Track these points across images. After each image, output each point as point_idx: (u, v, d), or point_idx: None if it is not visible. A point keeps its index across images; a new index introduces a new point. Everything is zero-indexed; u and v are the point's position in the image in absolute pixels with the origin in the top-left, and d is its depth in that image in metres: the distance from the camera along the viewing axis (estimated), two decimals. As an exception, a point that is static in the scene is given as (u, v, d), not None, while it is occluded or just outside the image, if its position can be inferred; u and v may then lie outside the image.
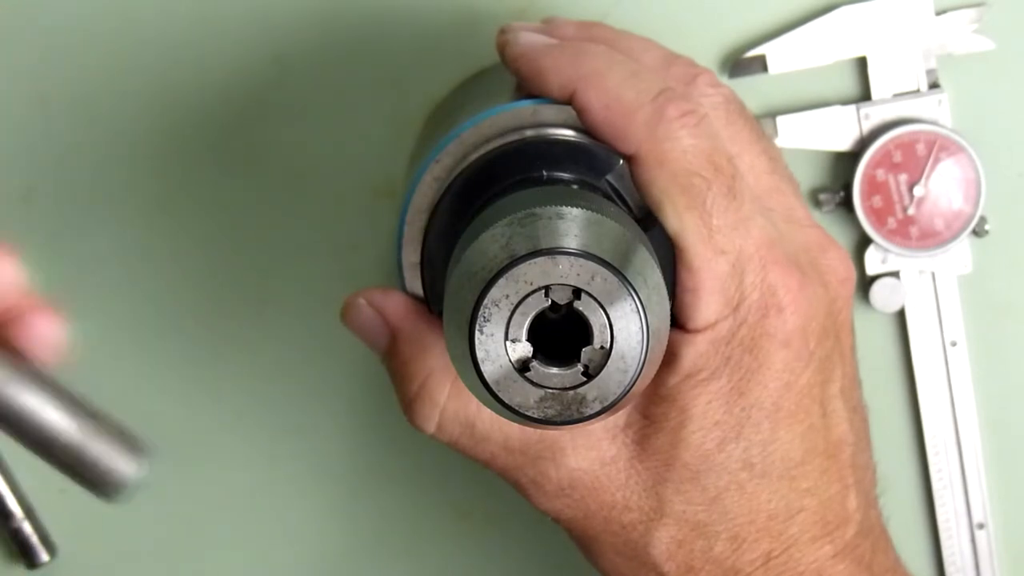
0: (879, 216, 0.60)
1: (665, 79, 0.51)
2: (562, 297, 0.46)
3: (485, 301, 0.46)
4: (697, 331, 0.50)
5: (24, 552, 0.63)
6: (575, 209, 0.47)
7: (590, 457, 0.51)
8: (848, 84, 0.61)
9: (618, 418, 0.51)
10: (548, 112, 0.52)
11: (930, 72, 0.60)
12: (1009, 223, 0.62)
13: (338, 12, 0.60)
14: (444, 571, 0.65)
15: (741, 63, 0.60)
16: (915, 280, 0.61)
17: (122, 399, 0.63)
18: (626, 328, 0.46)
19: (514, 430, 0.51)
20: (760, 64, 0.60)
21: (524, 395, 0.46)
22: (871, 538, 0.53)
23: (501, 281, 0.45)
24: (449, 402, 0.52)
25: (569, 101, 0.50)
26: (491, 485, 0.64)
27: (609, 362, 0.46)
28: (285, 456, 0.64)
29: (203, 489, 0.64)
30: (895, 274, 0.61)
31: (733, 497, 0.51)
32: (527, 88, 0.52)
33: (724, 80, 0.60)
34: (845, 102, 0.60)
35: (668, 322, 0.48)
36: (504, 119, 0.52)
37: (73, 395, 0.45)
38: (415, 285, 0.53)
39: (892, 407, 0.63)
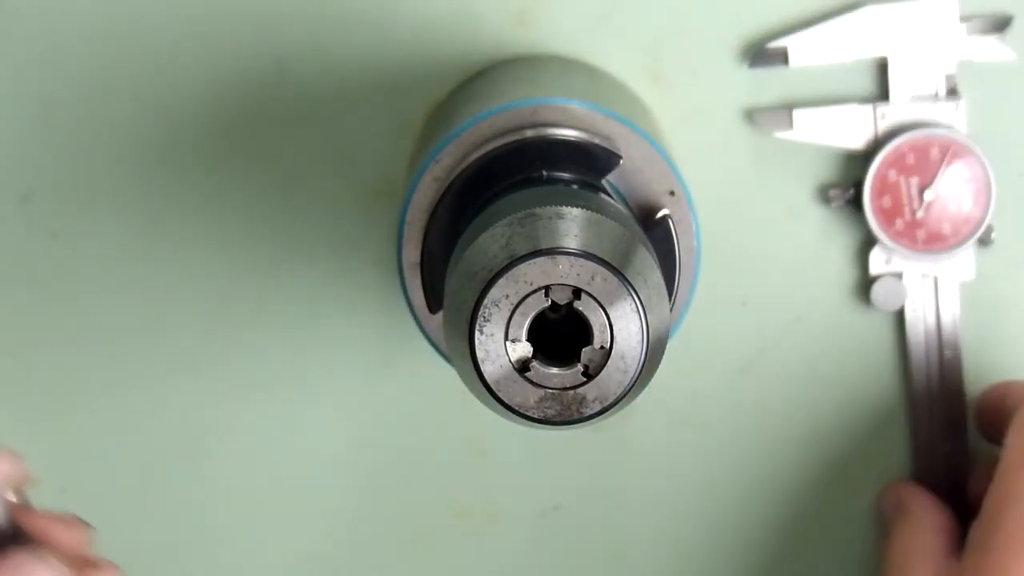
0: (887, 217, 0.60)
1: None
2: (562, 297, 0.46)
3: (485, 301, 0.46)
4: None
5: (24, 552, 0.63)
6: (575, 209, 0.47)
7: None
8: (867, 83, 0.60)
9: None
10: (548, 112, 0.52)
11: (949, 78, 0.60)
12: (1014, 228, 0.62)
13: (338, 13, 0.60)
14: (444, 571, 0.65)
15: (762, 53, 0.60)
16: (917, 283, 0.61)
17: (122, 399, 0.63)
18: (626, 328, 0.46)
19: None
20: (781, 56, 0.60)
21: (524, 395, 0.46)
22: None
23: (501, 281, 0.46)
24: None
25: None
26: (491, 485, 0.64)
27: (609, 362, 0.46)
28: (285, 456, 0.64)
29: (203, 490, 0.64)
30: (898, 275, 0.61)
31: None
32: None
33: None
34: (863, 101, 0.60)
35: (668, 322, 0.48)
36: (504, 119, 0.52)
37: None
38: (415, 285, 0.53)
39: (888, 408, 0.63)
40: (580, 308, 0.46)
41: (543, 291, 0.46)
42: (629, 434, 0.63)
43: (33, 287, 0.62)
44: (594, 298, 0.46)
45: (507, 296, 0.46)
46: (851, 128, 0.60)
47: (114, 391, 0.63)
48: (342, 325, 0.62)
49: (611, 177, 0.52)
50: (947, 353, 0.62)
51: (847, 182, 0.61)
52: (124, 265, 0.62)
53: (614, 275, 0.45)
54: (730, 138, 0.61)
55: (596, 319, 0.46)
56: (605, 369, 0.46)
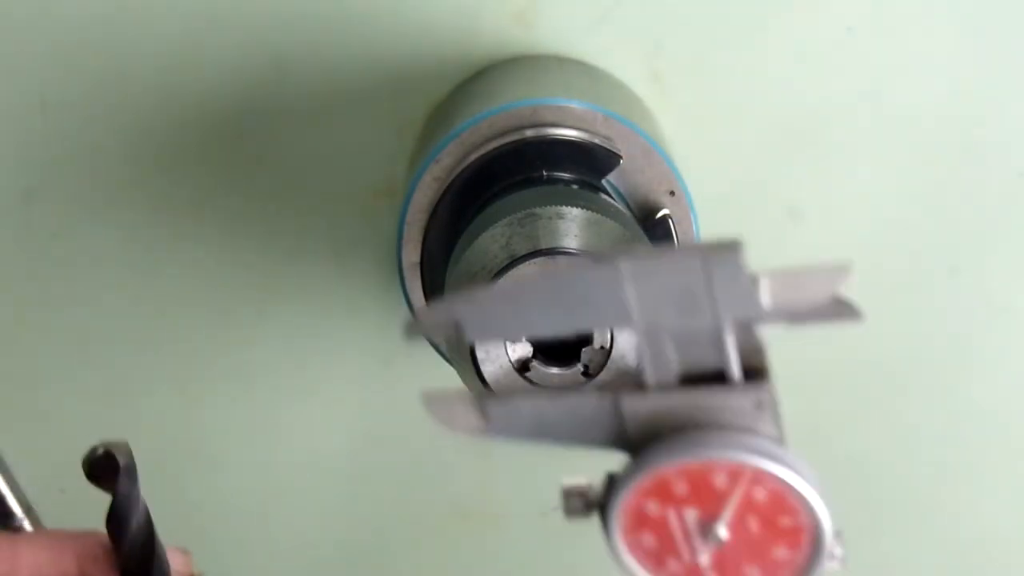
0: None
1: None
2: (562, 297, 0.46)
3: (485, 301, 0.46)
4: None
5: (24, 552, 0.63)
6: (575, 209, 0.47)
7: None
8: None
9: None
10: (548, 112, 0.52)
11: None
12: (1009, 223, 0.62)
13: (338, 13, 0.60)
14: (445, 571, 0.65)
15: None
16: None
17: (122, 399, 0.63)
18: (626, 328, 0.46)
19: None
20: None
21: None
22: None
23: (501, 281, 0.46)
24: None
25: None
26: (491, 485, 0.64)
27: (609, 362, 0.46)
28: (285, 456, 0.64)
29: (203, 491, 0.64)
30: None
31: None
32: None
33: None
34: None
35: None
36: (504, 119, 0.52)
37: None
38: (415, 285, 0.53)
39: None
40: (580, 308, 0.46)
41: (543, 291, 0.46)
42: (629, 434, 0.63)
43: (33, 287, 0.62)
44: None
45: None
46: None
47: (114, 391, 0.63)
48: (342, 325, 0.62)
49: (611, 177, 0.52)
50: None
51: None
52: (124, 265, 0.62)
53: (614, 275, 0.45)
54: (730, 138, 0.61)
55: (596, 319, 0.46)
56: (605, 369, 0.46)
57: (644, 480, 0.40)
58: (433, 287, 0.53)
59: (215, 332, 0.62)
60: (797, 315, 0.37)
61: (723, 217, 0.61)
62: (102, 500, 0.64)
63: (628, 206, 0.52)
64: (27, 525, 0.63)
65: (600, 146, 0.52)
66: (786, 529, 0.39)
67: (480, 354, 0.46)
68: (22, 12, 0.60)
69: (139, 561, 0.46)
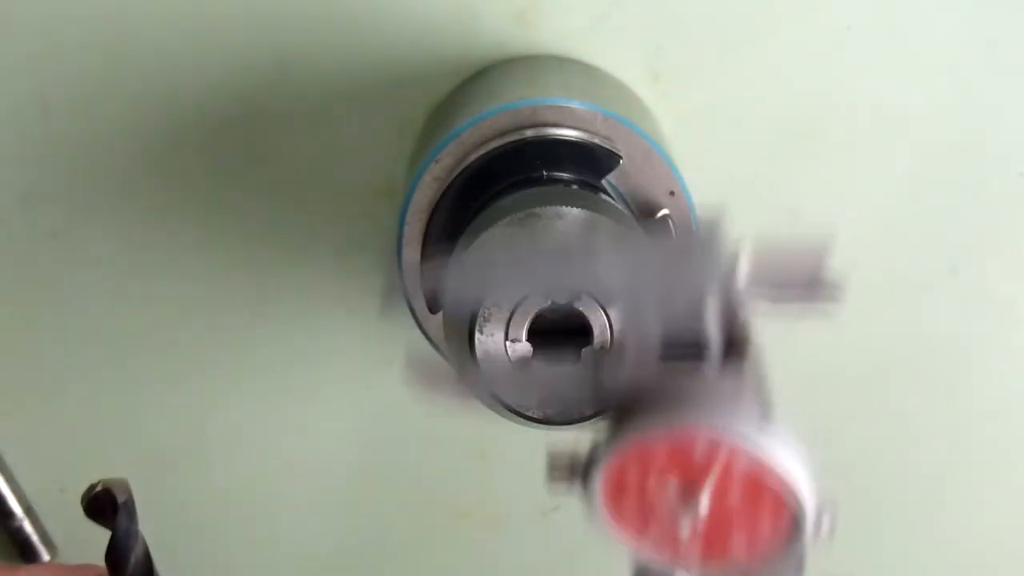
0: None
1: None
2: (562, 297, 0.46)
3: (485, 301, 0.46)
4: None
5: (24, 552, 0.63)
6: (575, 209, 0.47)
7: None
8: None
9: None
10: (548, 112, 0.52)
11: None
12: (1009, 223, 0.62)
13: (338, 13, 0.60)
14: (444, 571, 0.65)
15: None
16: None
17: (122, 399, 0.63)
18: (626, 328, 0.46)
19: None
20: None
21: (524, 395, 0.46)
22: None
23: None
24: None
25: None
26: (491, 485, 0.64)
27: (609, 362, 0.46)
28: (285, 456, 0.64)
29: (203, 490, 0.64)
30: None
31: None
32: None
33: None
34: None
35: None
36: (504, 119, 0.52)
37: None
38: (415, 285, 0.53)
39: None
40: (580, 308, 0.46)
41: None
42: (629, 434, 0.63)
43: (33, 287, 0.62)
44: (594, 298, 0.46)
45: (507, 296, 0.46)
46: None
47: (114, 391, 0.63)
48: (342, 325, 0.62)
49: (611, 177, 0.52)
50: None
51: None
52: (124, 265, 0.62)
53: (614, 275, 0.45)
54: (730, 138, 0.61)
55: (596, 319, 0.46)
56: (605, 368, 0.46)
57: (625, 447, 0.39)
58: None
59: (215, 332, 0.63)
60: (778, 290, 0.37)
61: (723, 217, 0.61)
62: (102, 500, 0.64)
63: (628, 206, 0.52)
64: (27, 525, 0.63)
65: (600, 146, 0.52)
66: (767, 503, 0.39)
67: (480, 354, 0.46)
68: (22, 12, 0.60)
69: None
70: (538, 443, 0.63)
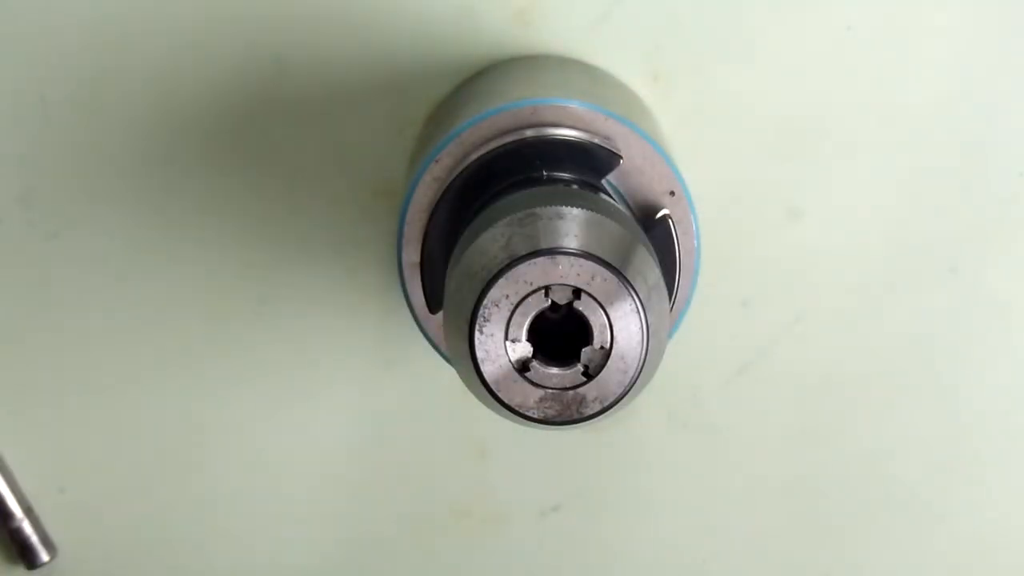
0: None
1: None
2: (562, 297, 0.46)
3: (485, 301, 0.46)
4: None
5: (24, 552, 0.63)
6: (575, 209, 0.47)
7: None
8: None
9: None
10: (548, 112, 0.52)
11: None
12: (1009, 223, 0.62)
13: (338, 12, 0.60)
14: (444, 571, 0.65)
15: None
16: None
17: (122, 399, 0.63)
18: (626, 328, 0.46)
19: None
20: None
21: (524, 395, 0.46)
22: None
23: (501, 281, 0.46)
24: None
25: None
26: (491, 485, 0.64)
27: (609, 362, 0.46)
28: (285, 456, 0.64)
29: (202, 490, 0.64)
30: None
31: None
32: None
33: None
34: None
35: (668, 322, 0.48)
36: (504, 119, 0.52)
37: None
38: (415, 285, 0.53)
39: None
40: (580, 308, 0.46)
41: (543, 291, 0.46)
42: (629, 434, 0.63)
43: (33, 287, 0.62)
44: (594, 298, 0.46)
45: (507, 296, 0.46)
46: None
47: (114, 391, 0.63)
48: (342, 325, 0.62)
49: (611, 177, 0.52)
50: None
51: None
52: (124, 265, 0.62)
53: (614, 275, 0.45)
54: (730, 138, 0.61)
55: (596, 319, 0.46)
56: (605, 369, 0.46)
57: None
58: (433, 287, 0.53)
59: (214, 332, 0.62)
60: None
61: (723, 217, 0.61)
62: (101, 500, 0.64)
63: (628, 206, 0.52)
64: (27, 526, 0.63)
65: (600, 146, 0.52)
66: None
67: (480, 354, 0.46)
68: (22, 12, 0.60)
69: None
70: (538, 443, 0.64)
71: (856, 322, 0.63)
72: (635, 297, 0.46)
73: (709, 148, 0.61)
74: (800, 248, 0.62)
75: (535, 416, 0.46)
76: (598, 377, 0.46)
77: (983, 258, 0.62)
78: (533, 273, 0.45)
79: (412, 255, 0.53)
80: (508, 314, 0.46)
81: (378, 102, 0.61)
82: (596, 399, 0.46)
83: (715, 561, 0.65)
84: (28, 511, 0.63)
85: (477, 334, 0.46)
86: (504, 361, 0.46)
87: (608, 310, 0.46)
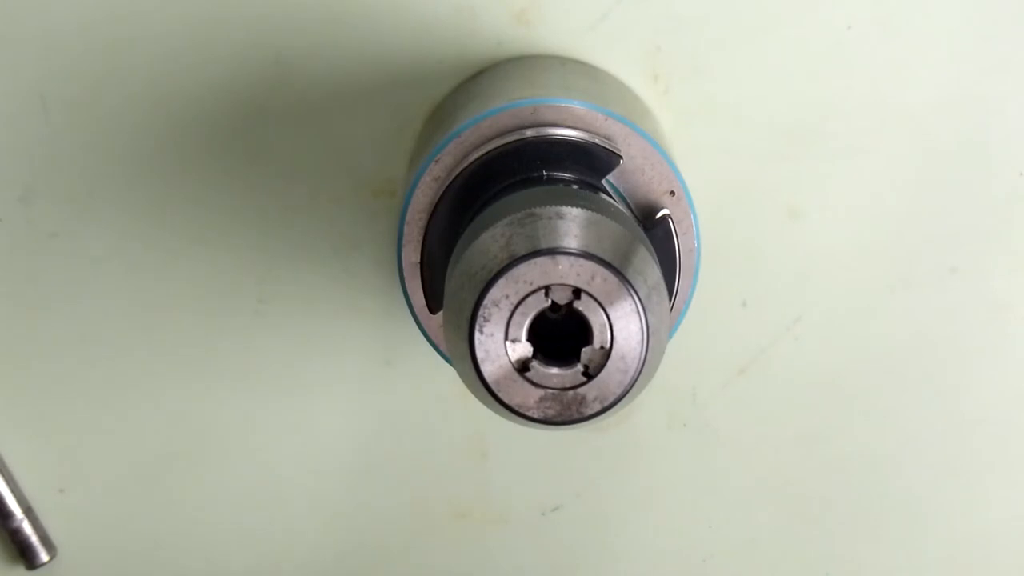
0: None
1: None
2: (562, 297, 0.46)
3: (485, 301, 0.46)
4: None
5: (24, 552, 0.63)
6: (575, 209, 0.47)
7: None
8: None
9: None
10: (548, 112, 0.52)
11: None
12: (1009, 223, 0.62)
13: (338, 12, 0.60)
14: (444, 571, 0.65)
15: None
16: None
17: (121, 399, 0.63)
18: (626, 328, 0.46)
19: None
20: None
21: (524, 395, 0.46)
22: None
23: (501, 281, 0.46)
24: None
25: None
26: (491, 485, 0.64)
27: (609, 362, 0.46)
28: (285, 456, 0.64)
29: (202, 490, 0.64)
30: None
31: None
32: None
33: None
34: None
35: (668, 322, 0.48)
36: (504, 119, 0.52)
37: None
38: (415, 285, 0.53)
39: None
40: (580, 308, 0.46)
41: (543, 291, 0.46)
42: (629, 434, 0.63)
43: (33, 287, 0.62)
44: (594, 298, 0.46)
45: (507, 296, 0.46)
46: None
47: (113, 391, 0.63)
48: (342, 325, 0.62)
49: (611, 177, 0.52)
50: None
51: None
52: (123, 265, 0.62)
53: (614, 275, 0.45)
54: (730, 138, 0.61)
55: (596, 319, 0.46)
56: (605, 369, 0.46)
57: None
58: (433, 287, 0.53)
59: (214, 332, 0.62)
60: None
61: (723, 217, 0.61)
62: (101, 500, 0.64)
63: (628, 206, 0.52)
64: (27, 526, 0.63)
65: (600, 146, 0.52)
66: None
67: (480, 354, 0.46)
68: (23, 12, 0.60)
69: None
70: (538, 443, 0.64)
71: (856, 322, 0.63)
72: (635, 297, 0.46)
73: (709, 148, 0.61)
74: (800, 248, 0.62)
75: (535, 416, 0.46)
76: (598, 377, 0.46)
77: (983, 258, 0.62)
78: (533, 273, 0.45)
79: (412, 255, 0.53)
80: (508, 314, 0.46)
81: (378, 102, 0.61)
82: (596, 399, 0.46)
83: (715, 561, 0.65)
84: (28, 511, 0.63)
85: (477, 334, 0.46)
86: (504, 361, 0.46)
87: (608, 310, 0.46)
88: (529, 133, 0.52)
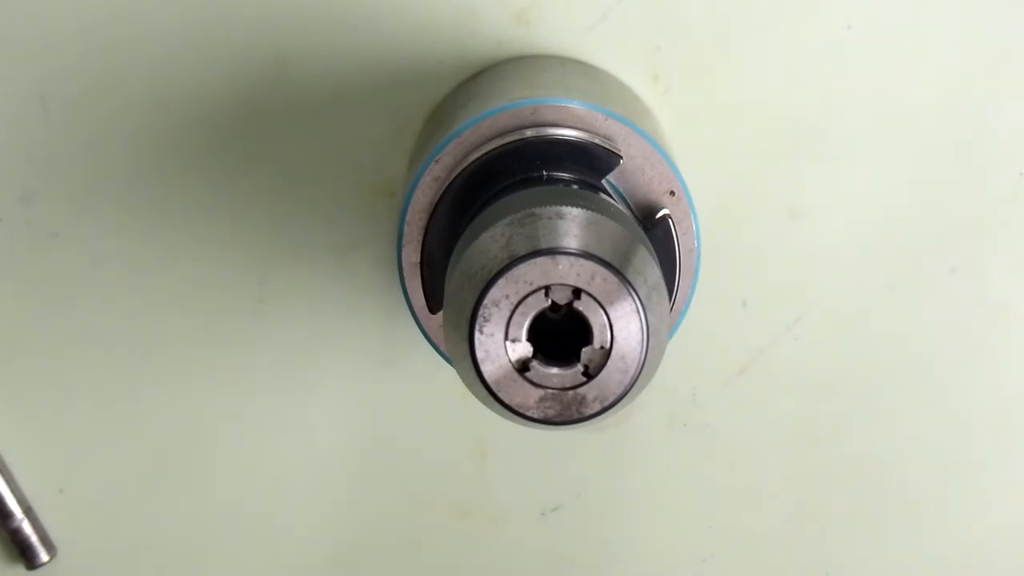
0: None
1: None
2: (562, 297, 0.46)
3: (485, 301, 0.46)
4: None
5: (24, 552, 0.63)
6: (575, 209, 0.47)
7: None
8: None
9: None
10: (548, 112, 0.52)
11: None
12: (1009, 223, 0.62)
13: (338, 12, 0.60)
14: (444, 571, 0.65)
15: None
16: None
17: (121, 399, 0.63)
18: (626, 328, 0.46)
19: None
20: None
21: (524, 395, 0.46)
22: None
23: (501, 281, 0.45)
24: None
25: None
26: (491, 485, 0.64)
27: (609, 362, 0.46)
28: (285, 456, 0.64)
29: (202, 490, 0.64)
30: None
31: None
32: None
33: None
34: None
35: (668, 322, 0.48)
36: (504, 119, 0.52)
37: None
38: (415, 285, 0.53)
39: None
40: (580, 308, 0.46)
41: (543, 291, 0.46)
42: (629, 434, 0.63)
43: (33, 287, 0.62)
44: (594, 298, 0.46)
45: (507, 296, 0.46)
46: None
47: (113, 391, 0.63)
48: (342, 325, 0.62)
49: (611, 177, 0.52)
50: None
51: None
52: (124, 265, 0.62)
53: (614, 275, 0.45)
54: (730, 138, 0.61)
55: (596, 319, 0.46)
56: (605, 369, 0.46)
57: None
58: (433, 287, 0.53)
59: (214, 332, 0.62)
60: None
61: (723, 217, 0.61)
62: (101, 501, 0.64)
63: (628, 206, 0.52)
64: (26, 526, 0.63)
65: (600, 146, 0.52)
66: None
67: (480, 354, 0.46)
68: (23, 12, 0.60)
69: None
70: (538, 443, 0.64)
71: (856, 322, 0.63)
72: (635, 297, 0.46)
73: (709, 148, 0.61)
74: (800, 248, 0.62)
75: (535, 416, 0.46)
76: (598, 377, 0.46)
77: (983, 258, 0.62)
78: (533, 273, 0.45)
79: (412, 255, 0.53)
80: (508, 314, 0.46)
81: (378, 102, 0.61)
82: (596, 399, 0.46)
83: (715, 561, 0.65)
84: (28, 511, 0.63)
85: (477, 334, 0.46)
86: (504, 361, 0.46)
87: (608, 310, 0.46)
88: (529, 133, 0.52)
